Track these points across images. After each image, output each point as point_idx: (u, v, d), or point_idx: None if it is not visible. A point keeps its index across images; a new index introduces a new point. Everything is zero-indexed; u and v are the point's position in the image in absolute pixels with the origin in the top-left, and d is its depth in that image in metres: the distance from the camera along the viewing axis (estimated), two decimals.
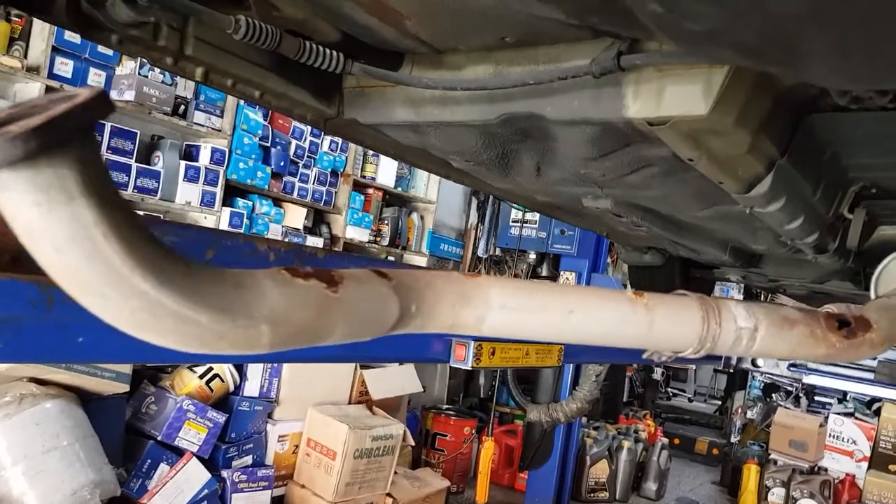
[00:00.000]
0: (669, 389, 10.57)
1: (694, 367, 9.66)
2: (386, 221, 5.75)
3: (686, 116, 1.16)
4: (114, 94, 3.75)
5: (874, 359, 3.69)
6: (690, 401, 10.63)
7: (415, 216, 6.11)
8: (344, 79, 1.66)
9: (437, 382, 6.88)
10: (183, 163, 4.14)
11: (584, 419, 6.99)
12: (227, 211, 4.40)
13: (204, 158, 4.28)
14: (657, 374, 9.34)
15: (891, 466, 6.26)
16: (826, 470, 6.49)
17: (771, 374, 4.27)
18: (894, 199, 2.28)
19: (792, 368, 4.02)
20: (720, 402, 9.79)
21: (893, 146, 1.81)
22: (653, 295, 1.12)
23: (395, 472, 4.98)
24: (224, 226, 4.38)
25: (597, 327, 1.10)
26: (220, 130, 4.33)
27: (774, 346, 1.22)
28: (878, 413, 6.41)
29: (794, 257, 3.25)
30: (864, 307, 1.37)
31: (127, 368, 3.63)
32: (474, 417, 6.27)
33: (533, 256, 6.13)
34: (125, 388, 3.62)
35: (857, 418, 6.54)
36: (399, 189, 5.94)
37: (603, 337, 1.11)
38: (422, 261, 6.09)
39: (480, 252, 6.84)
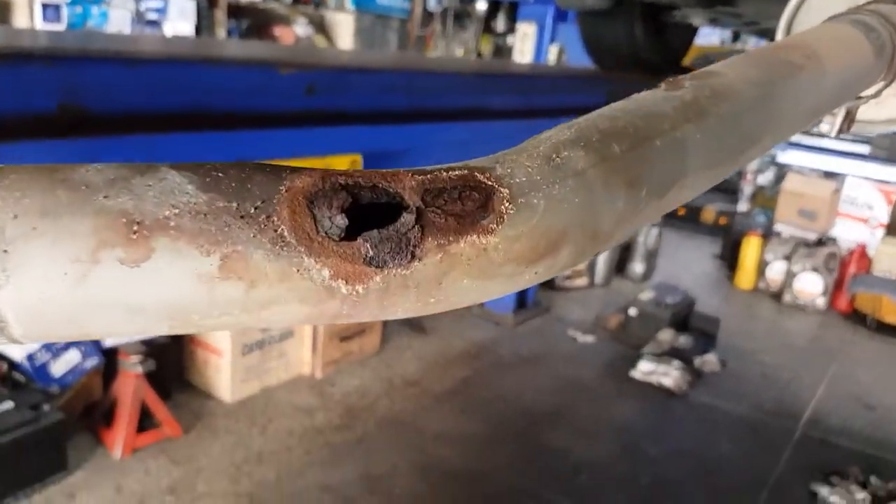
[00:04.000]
0: None
1: None
2: None
3: None
4: None
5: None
6: None
7: None
8: None
9: None
10: None
11: None
12: None
13: None
14: None
15: None
16: (835, 241, 5.70)
17: None
18: None
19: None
20: None
21: None
22: None
23: None
24: None
25: None
26: None
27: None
28: None
29: None
30: (506, 155, 0.49)
31: None
32: None
33: (483, 6, 4.95)
34: None
35: (877, 181, 5.57)
36: None
37: None
38: (348, 21, 4.97)
39: (432, 5, 5.64)
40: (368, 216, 0.42)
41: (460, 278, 0.44)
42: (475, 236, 0.43)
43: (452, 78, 2.07)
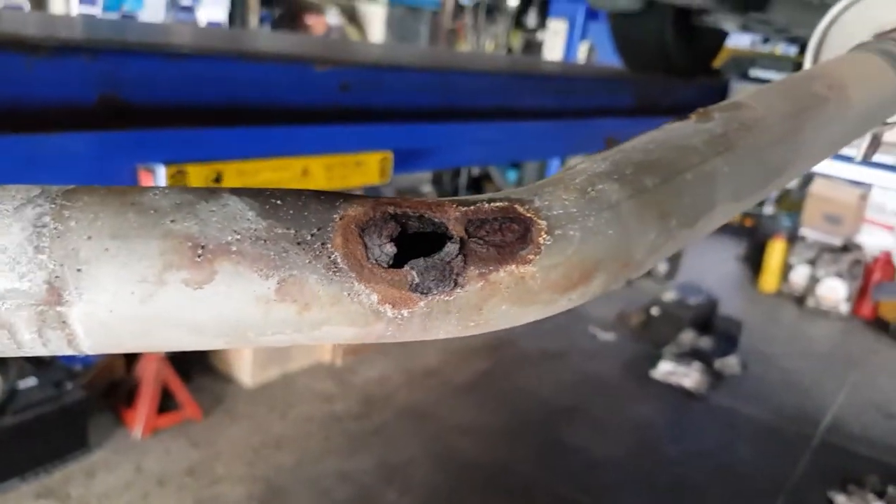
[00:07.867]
0: None
1: None
2: None
3: None
4: None
5: None
6: None
7: None
8: None
9: None
10: None
11: None
12: None
13: None
14: None
15: None
16: (860, 247, 5.64)
17: None
18: None
19: None
20: None
21: None
22: None
23: None
24: None
25: None
26: None
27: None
28: None
29: None
30: (541, 185, 0.51)
31: None
32: None
33: (514, 1, 4.95)
34: None
35: None
36: None
37: None
38: (379, 12, 4.99)
39: None
40: (414, 244, 0.44)
41: (499, 304, 0.46)
42: (514, 266, 0.45)
43: (484, 77, 2.08)
